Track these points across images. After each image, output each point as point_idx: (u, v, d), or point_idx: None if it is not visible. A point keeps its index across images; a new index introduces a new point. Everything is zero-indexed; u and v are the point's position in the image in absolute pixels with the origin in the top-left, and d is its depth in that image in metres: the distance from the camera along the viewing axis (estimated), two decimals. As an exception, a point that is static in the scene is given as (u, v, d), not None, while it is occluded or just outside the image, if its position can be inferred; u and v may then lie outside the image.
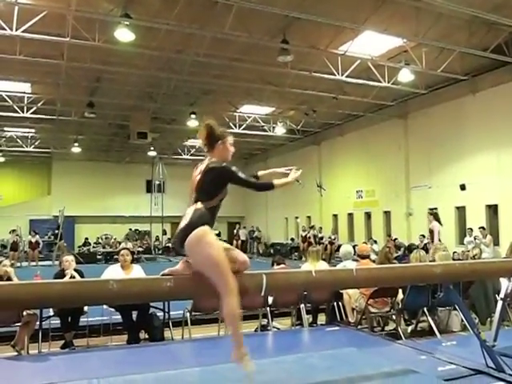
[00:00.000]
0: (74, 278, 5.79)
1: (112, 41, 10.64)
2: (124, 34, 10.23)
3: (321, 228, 21.36)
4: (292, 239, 23.49)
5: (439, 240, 10.81)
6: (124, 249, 6.98)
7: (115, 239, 23.89)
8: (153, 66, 12.99)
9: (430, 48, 11.87)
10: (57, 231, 20.77)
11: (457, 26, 10.91)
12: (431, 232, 11.12)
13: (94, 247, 23.75)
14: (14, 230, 19.84)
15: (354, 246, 9.39)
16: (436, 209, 13.56)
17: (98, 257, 21.05)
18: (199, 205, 2.97)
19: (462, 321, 6.18)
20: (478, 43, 11.38)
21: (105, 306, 5.74)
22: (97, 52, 11.61)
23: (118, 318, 6.09)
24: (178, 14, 9.60)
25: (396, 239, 16.31)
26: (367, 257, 6.92)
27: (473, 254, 12.24)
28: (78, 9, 9.29)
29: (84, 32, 10.14)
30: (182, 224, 2.95)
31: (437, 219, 11.10)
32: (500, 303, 3.99)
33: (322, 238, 20.16)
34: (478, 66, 13.57)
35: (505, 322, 6.54)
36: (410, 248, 12.57)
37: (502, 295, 4.02)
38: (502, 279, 5.58)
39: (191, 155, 25.51)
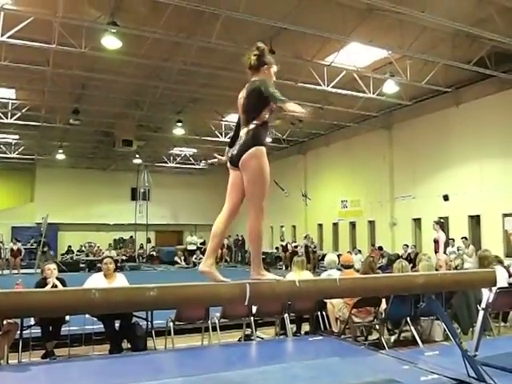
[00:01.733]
0: (55, 286, 5.72)
1: (99, 48, 10.62)
2: (111, 42, 10.23)
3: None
4: (277, 248, 23.50)
5: (444, 252, 10.83)
6: (107, 257, 6.91)
7: (99, 247, 23.66)
8: (139, 73, 12.99)
9: (414, 60, 12.04)
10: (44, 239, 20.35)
11: (441, 39, 11.11)
12: (436, 242, 11.07)
13: (77, 255, 23.50)
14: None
15: (338, 256, 9.42)
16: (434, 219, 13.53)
17: (82, 265, 20.82)
18: (251, 125, 3.12)
19: (445, 330, 6.22)
20: (462, 56, 11.58)
21: (87, 315, 5.67)
22: (83, 59, 11.57)
23: (100, 327, 6.02)
24: (166, 22, 9.63)
25: (381, 247, 16.42)
26: (351, 267, 6.95)
27: (455, 264, 12.38)
28: (65, 15, 9.25)
29: (70, 39, 10.11)
30: (237, 145, 3.16)
31: (443, 229, 11.10)
32: (481, 313, 4.03)
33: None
34: (461, 79, 13.80)
35: (486, 331, 6.62)
36: (391, 258, 12.64)
37: (483, 305, 4.06)
38: (483, 289, 5.66)
39: (177, 163, 25.48)
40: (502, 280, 6.47)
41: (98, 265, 16.09)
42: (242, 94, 3.30)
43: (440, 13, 9.33)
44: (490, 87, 13.48)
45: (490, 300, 5.75)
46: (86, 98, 15.49)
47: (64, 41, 10.14)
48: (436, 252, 10.98)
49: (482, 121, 13.90)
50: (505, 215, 13.44)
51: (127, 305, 2.88)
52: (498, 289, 6.44)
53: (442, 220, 12.11)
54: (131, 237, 26.79)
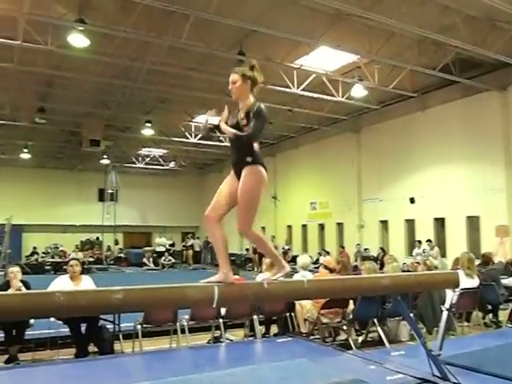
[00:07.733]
0: (19, 289, 5.57)
1: (66, 46, 10.41)
2: (78, 40, 10.04)
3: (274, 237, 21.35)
4: (247, 249, 23.47)
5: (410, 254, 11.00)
6: (73, 259, 6.78)
7: (62, 251, 23.06)
8: (108, 72, 12.78)
9: (382, 65, 12.26)
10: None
11: (407, 45, 11.34)
12: None
13: (42, 257, 22.94)
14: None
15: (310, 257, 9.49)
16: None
17: (47, 267, 20.33)
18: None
19: (411, 331, 6.34)
20: (427, 62, 11.84)
21: (52, 319, 5.54)
22: (49, 57, 11.32)
23: (66, 330, 5.89)
24: (135, 21, 9.50)
25: (367, 249, 16.71)
26: (334, 270, 6.95)
27: (433, 265, 12.65)
28: (31, 12, 9.04)
29: (36, 36, 9.87)
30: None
31: None
32: (445, 313, 4.13)
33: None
34: (426, 84, 14.11)
35: (450, 331, 6.78)
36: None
37: (446, 305, 4.16)
38: (447, 290, 5.79)
39: (145, 164, 25.21)
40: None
41: (64, 267, 15.78)
42: None
43: (407, 20, 9.51)
44: (455, 93, 13.83)
45: (454, 301, 5.90)
46: (52, 97, 15.16)
47: (30, 37, 9.90)
48: None
49: (447, 126, 14.24)
50: (468, 218, 13.80)
51: (92, 308, 2.84)
52: (462, 290, 6.63)
53: None
54: (97, 238, 26.36)
